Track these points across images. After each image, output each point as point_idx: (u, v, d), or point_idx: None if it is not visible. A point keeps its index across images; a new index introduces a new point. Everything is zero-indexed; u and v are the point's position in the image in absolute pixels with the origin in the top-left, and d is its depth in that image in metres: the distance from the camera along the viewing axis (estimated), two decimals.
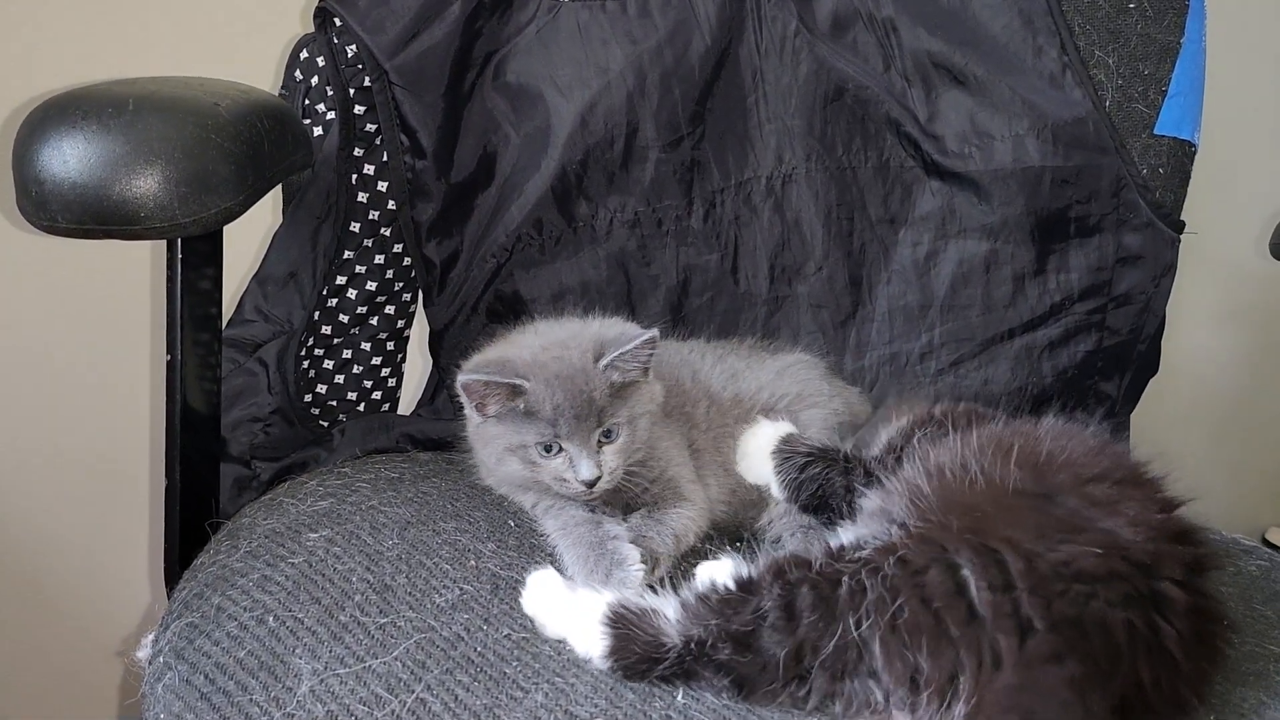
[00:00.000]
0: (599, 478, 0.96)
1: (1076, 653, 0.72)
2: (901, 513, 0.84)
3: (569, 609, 0.85)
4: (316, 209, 1.27)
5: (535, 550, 0.99)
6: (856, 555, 0.79)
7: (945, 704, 0.73)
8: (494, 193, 1.28)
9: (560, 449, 0.97)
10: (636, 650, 0.80)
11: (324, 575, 0.91)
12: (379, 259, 1.31)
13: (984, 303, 1.31)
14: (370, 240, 1.30)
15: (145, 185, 0.89)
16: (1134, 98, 1.28)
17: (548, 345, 1.00)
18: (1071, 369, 1.32)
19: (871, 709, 0.76)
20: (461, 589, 0.91)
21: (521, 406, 0.96)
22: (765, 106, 1.29)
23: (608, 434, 0.98)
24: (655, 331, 0.98)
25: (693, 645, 0.79)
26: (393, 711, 0.77)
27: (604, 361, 0.96)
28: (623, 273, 1.30)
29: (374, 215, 1.29)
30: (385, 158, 1.26)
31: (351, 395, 1.35)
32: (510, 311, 1.31)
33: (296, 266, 1.29)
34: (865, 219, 1.31)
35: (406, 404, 1.41)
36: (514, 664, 0.82)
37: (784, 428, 1.05)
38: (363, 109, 1.24)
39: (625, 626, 0.81)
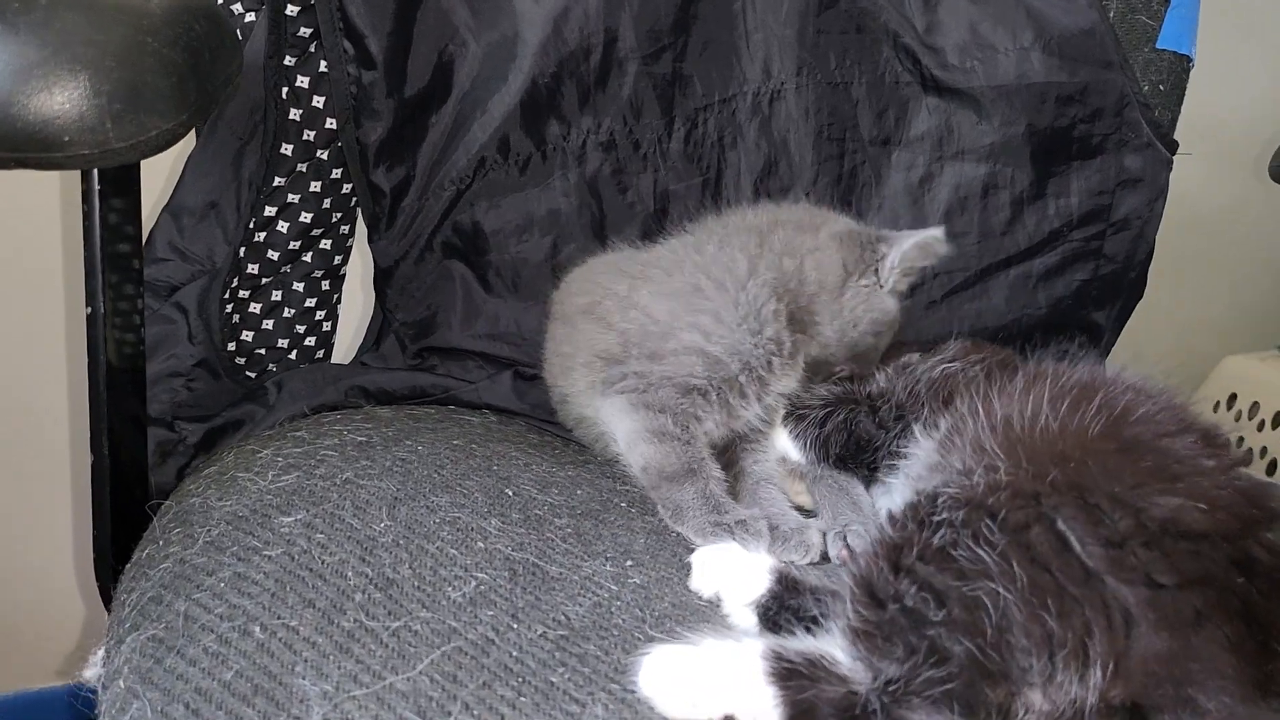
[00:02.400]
0: None
1: (1220, 613, 0.65)
2: (971, 462, 0.75)
3: (715, 681, 0.67)
4: (239, 128, 1.09)
5: (543, 524, 0.87)
6: (938, 518, 0.69)
7: (1082, 671, 0.64)
8: (451, 110, 1.12)
9: None
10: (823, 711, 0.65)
11: (311, 570, 0.77)
12: (315, 186, 1.14)
13: (980, 229, 1.22)
14: (305, 165, 1.12)
15: (68, 101, 0.71)
16: (1137, 8, 1.20)
17: None
18: (1067, 298, 1.25)
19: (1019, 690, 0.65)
20: (476, 579, 0.78)
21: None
22: (754, 13, 1.16)
23: None
24: None
25: (890, 686, 0.65)
26: None
27: None
28: (595, 201, 1.16)
29: (309, 135, 1.11)
30: (323, 68, 1.08)
31: (282, 343, 1.19)
32: (470, 247, 1.16)
33: (216, 195, 1.11)
34: (857, 139, 1.20)
35: (342, 352, 1.26)
36: (560, 670, 0.70)
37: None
38: (296, 8, 1.06)
39: (795, 671, 0.66)
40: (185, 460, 1.09)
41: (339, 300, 1.23)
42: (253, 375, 1.17)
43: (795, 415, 0.97)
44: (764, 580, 0.76)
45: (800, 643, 0.69)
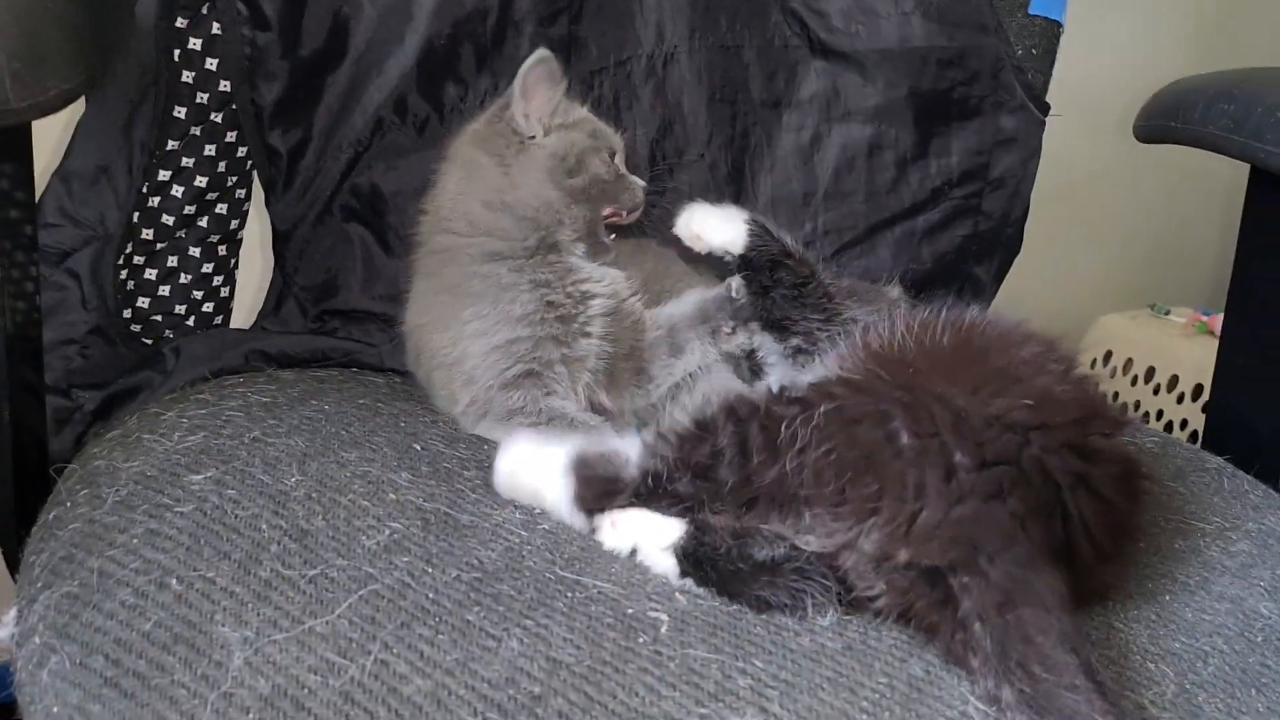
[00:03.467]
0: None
1: (1017, 491, 0.75)
2: (834, 370, 0.87)
3: (538, 464, 0.86)
4: (130, 91, 1.07)
5: (452, 477, 0.89)
6: (795, 397, 0.81)
7: (861, 527, 0.75)
8: (347, 71, 1.12)
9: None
10: (595, 488, 0.83)
11: (225, 524, 0.77)
12: (209, 150, 1.13)
13: (867, 189, 1.27)
14: (198, 128, 1.11)
15: None
16: None
17: None
18: (950, 253, 1.31)
19: (799, 529, 0.78)
20: (389, 528, 0.80)
21: (575, 116, 1.06)
22: None
23: None
24: None
25: (649, 478, 0.82)
26: (352, 678, 0.66)
27: None
28: None
29: (202, 98, 1.10)
30: (216, 29, 1.07)
31: (179, 309, 1.18)
32: (369, 210, 1.16)
33: (108, 160, 1.08)
34: (749, 101, 1.24)
35: (241, 317, 1.25)
36: (475, 609, 0.73)
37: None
38: None
39: (587, 469, 0.84)
40: (83, 428, 1.07)
41: (236, 265, 1.22)
42: (149, 342, 1.16)
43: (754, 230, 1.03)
44: (677, 525, 0.80)
45: (609, 443, 0.86)
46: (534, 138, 1.01)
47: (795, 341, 0.99)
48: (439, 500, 0.85)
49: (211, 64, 1.09)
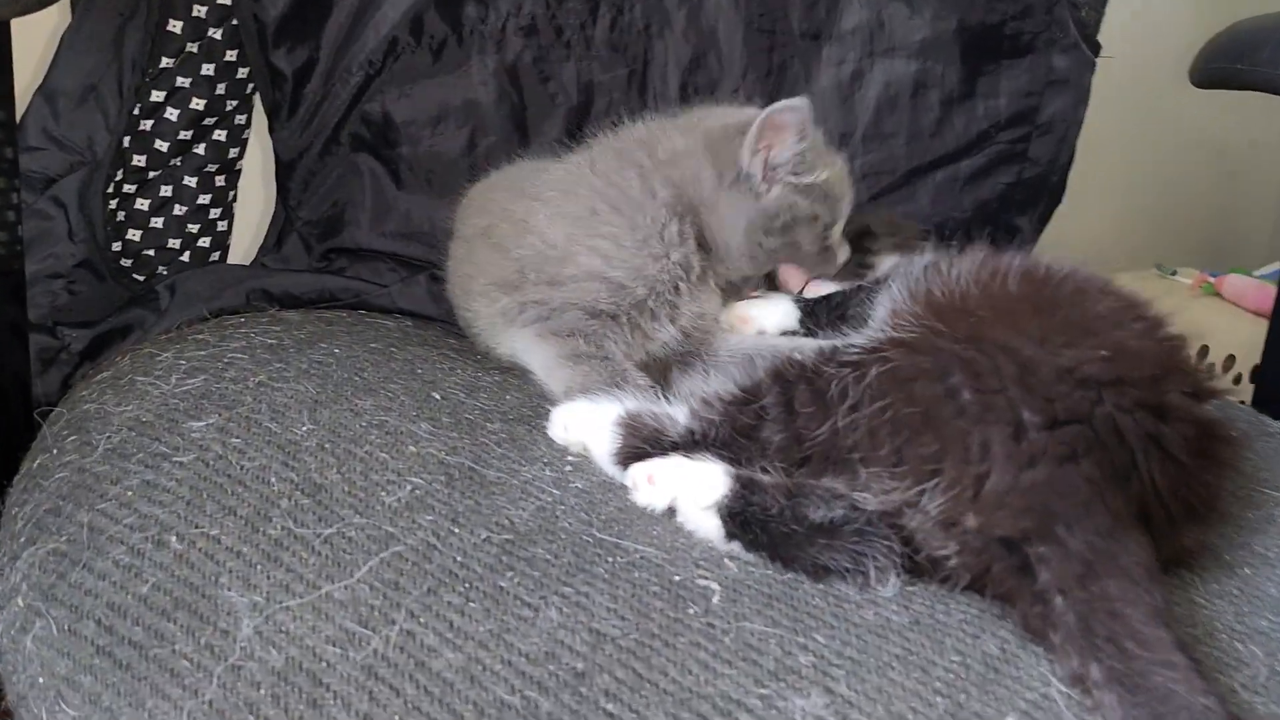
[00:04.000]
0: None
1: (1091, 454, 0.69)
2: (888, 324, 0.78)
3: (589, 418, 0.82)
4: (119, 2, 0.99)
5: (475, 429, 0.82)
6: (846, 360, 0.75)
7: (921, 487, 0.70)
8: None
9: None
10: (637, 442, 0.79)
11: (230, 476, 0.70)
12: (207, 69, 1.04)
13: (909, 130, 1.20)
14: (195, 45, 1.02)
15: None
16: None
17: None
18: (991, 202, 1.24)
19: (855, 486, 0.72)
20: (410, 483, 0.73)
21: (815, 177, 0.93)
22: None
23: None
24: None
25: (695, 436, 0.78)
26: (375, 650, 0.60)
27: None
28: (515, 90, 1.09)
29: (200, 11, 1.01)
30: None
31: (173, 243, 1.10)
32: (380, 139, 1.08)
33: (96, 78, 1.00)
34: (787, 32, 1.16)
35: (240, 254, 1.17)
36: (509, 575, 0.66)
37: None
38: None
39: (634, 423, 0.79)
40: (70, 369, 1.00)
41: (235, 197, 1.13)
42: (140, 278, 1.08)
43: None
44: (721, 483, 0.73)
45: (661, 407, 0.80)
46: (751, 178, 0.92)
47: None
48: (463, 454, 0.77)
49: None
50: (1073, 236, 2.12)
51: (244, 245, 1.17)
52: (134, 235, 1.08)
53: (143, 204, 1.07)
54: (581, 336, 0.90)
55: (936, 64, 1.18)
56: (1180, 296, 1.95)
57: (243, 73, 1.06)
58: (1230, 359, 1.80)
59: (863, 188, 1.21)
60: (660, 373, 0.95)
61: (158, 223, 1.09)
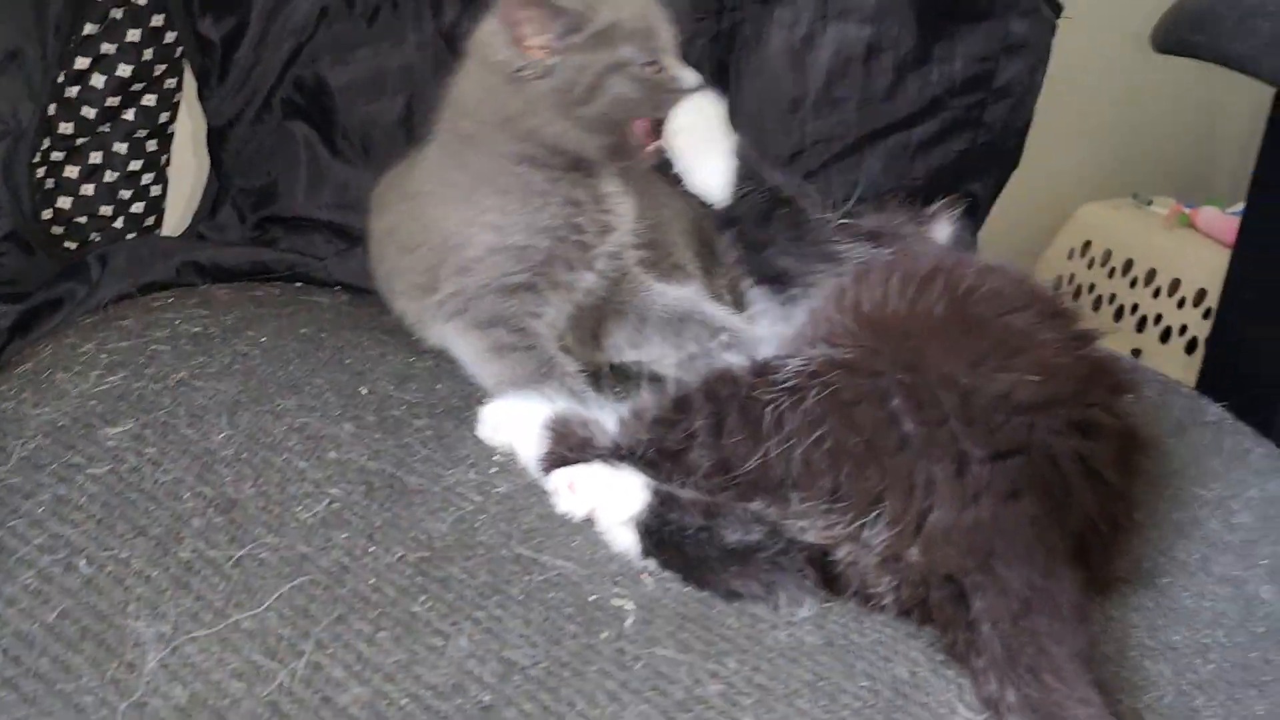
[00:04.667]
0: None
1: (1032, 488, 0.69)
2: (821, 338, 0.77)
3: (518, 418, 0.81)
4: None
5: (401, 427, 0.81)
6: (782, 378, 0.74)
7: (863, 521, 0.69)
8: None
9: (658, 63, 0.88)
10: (564, 449, 0.78)
11: (143, 491, 0.70)
12: (133, 35, 1.00)
13: (861, 95, 1.17)
14: (119, 10, 0.99)
15: None
16: None
17: None
18: (945, 168, 1.22)
19: (788, 514, 0.72)
20: (328, 495, 0.72)
21: (597, 26, 0.85)
22: None
23: None
24: None
25: (621, 451, 0.76)
26: (281, 685, 0.60)
27: None
28: (453, 55, 1.05)
29: None
30: None
31: (105, 210, 1.07)
32: (314, 106, 1.05)
33: (17, 43, 0.96)
34: None
35: (175, 222, 1.14)
36: (421, 598, 0.66)
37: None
38: None
39: (562, 428, 0.78)
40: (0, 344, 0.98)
41: (168, 161, 1.11)
42: (73, 247, 1.06)
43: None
44: (639, 497, 0.72)
45: (589, 410, 0.79)
46: (523, 70, 0.86)
47: (794, 292, 0.90)
48: (385, 459, 0.77)
49: None
50: (1049, 164, 2.09)
51: (179, 211, 1.14)
52: (64, 202, 1.05)
53: (72, 171, 1.05)
54: (504, 325, 0.88)
55: (890, 27, 1.15)
56: (1154, 227, 1.95)
57: (170, 37, 1.03)
58: (1201, 293, 1.80)
59: (813, 154, 1.19)
60: (593, 327, 0.95)
61: (88, 190, 1.06)
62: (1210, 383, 1.12)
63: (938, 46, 1.17)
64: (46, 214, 1.04)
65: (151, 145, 1.08)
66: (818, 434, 0.71)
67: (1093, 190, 2.31)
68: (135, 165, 1.07)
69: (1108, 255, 2.12)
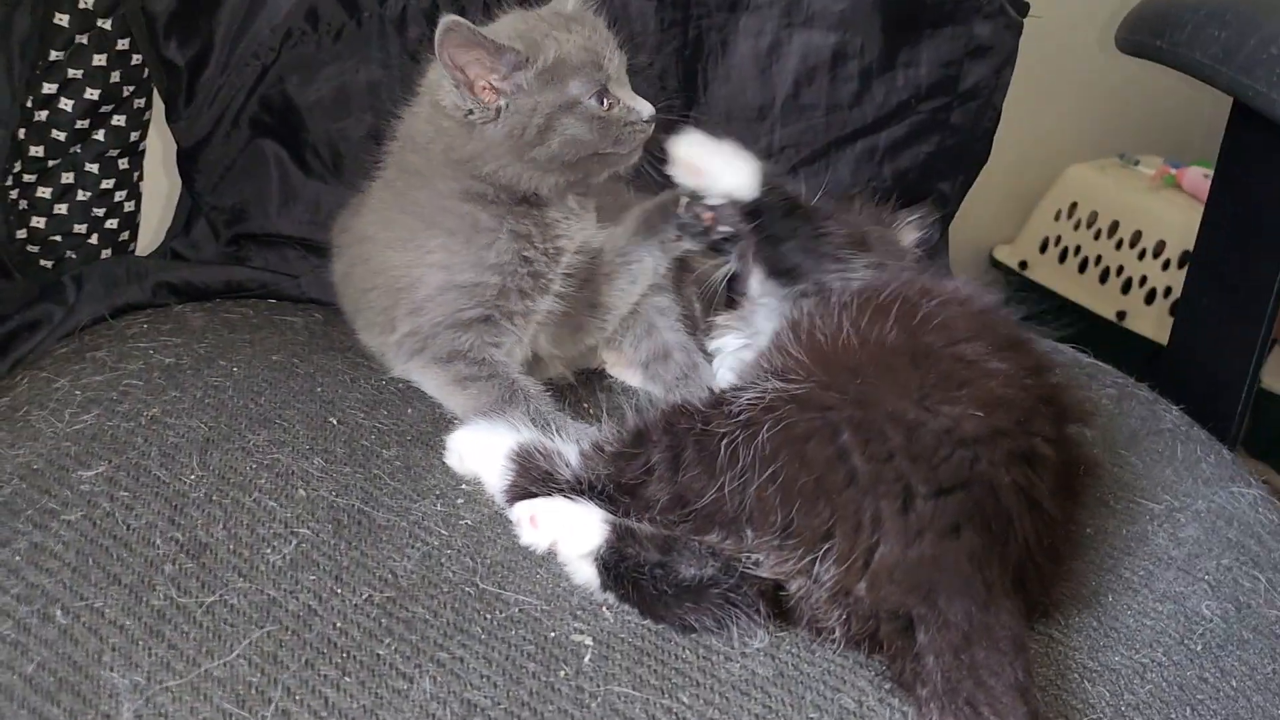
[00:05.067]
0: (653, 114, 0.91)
1: (972, 523, 0.72)
2: (778, 368, 0.80)
3: (483, 447, 0.83)
4: None
5: (370, 458, 0.83)
6: (736, 411, 0.76)
7: (813, 557, 0.72)
8: None
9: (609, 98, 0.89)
10: (528, 482, 0.80)
11: (116, 538, 0.72)
12: (99, 60, 1.01)
13: (828, 102, 1.18)
14: (84, 36, 1.00)
15: None
16: None
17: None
18: (912, 171, 1.23)
19: (742, 548, 0.74)
20: (297, 535, 0.75)
21: (543, 64, 0.86)
22: None
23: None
24: None
25: (582, 484, 0.79)
26: None
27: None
28: (419, 72, 1.06)
29: (87, 3, 0.98)
30: None
31: (79, 227, 1.09)
32: (282, 124, 1.06)
33: None
34: (702, 4, 1.12)
35: (149, 236, 1.16)
36: (386, 640, 0.69)
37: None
38: None
39: (527, 462, 0.81)
40: None
41: (141, 177, 1.12)
42: (49, 265, 1.07)
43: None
44: (598, 532, 0.75)
45: (554, 442, 0.81)
46: (471, 114, 0.86)
47: (802, 287, 0.92)
48: (353, 494, 0.79)
49: None
50: (1037, 124, 2.10)
51: (153, 224, 1.15)
52: (38, 222, 1.07)
53: (45, 192, 1.06)
54: (462, 359, 0.91)
55: (856, 35, 1.16)
56: (1141, 187, 1.96)
57: (137, 59, 1.03)
58: (1186, 254, 1.82)
59: (782, 159, 1.20)
60: (571, 333, 0.98)
61: (61, 209, 1.07)
62: (1170, 382, 1.14)
63: (903, 52, 1.18)
64: (21, 233, 1.05)
65: (123, 163, 1.09)
66: (770, 470, 0.73)
67: (1080, 151, 2.31)
68: (108, 184, 1.08)
69: (1094, 217, 2.12)
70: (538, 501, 0.79)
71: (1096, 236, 2.19)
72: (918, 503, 0.71)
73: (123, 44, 1.01)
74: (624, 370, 1.04)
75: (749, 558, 0.73)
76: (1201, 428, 1.06)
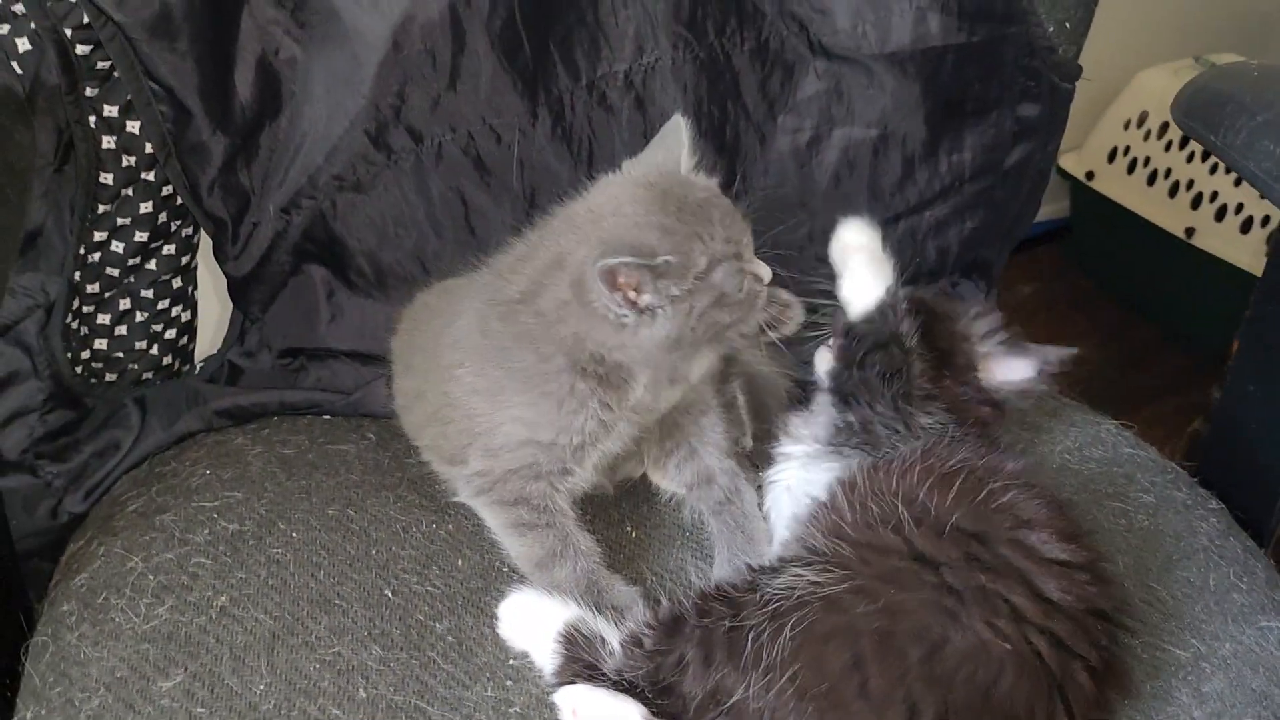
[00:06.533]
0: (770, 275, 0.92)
1: None
2: (818, 547, 0.83)
3: (533, 624, 0.88)
4: (47, 153, 0.97)
5: (425, 637, 0.89)
6: (767, 600, 0.79)
7: None
8: (285, 122, 1.00)
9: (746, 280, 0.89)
10: (576, 667, 0.84)
11: None
12: (145, 207, 1.03)
13: (870, 191, 1.17)
14: (130, 189, 1.01)
15: None
16: None
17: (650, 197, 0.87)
18: (955, 244, 1.22)
19: None
20: None
21: (696, 271, 0.85)
22: None
23: None
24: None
25: (624, 682, 0.82)
26: None
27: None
28: (458, 197, 1.08)
29: (129, 161, 1.00)
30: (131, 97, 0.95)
31: (140, 345, 1.13)
32: (326, 252, 1.08)
33: (37, 225, 1.00)
34: (740, 109, 1.11)
35: (209, 333, 1.20)
36: None
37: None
38: (88, 48, 0.91)
39: (573, 648, 0.84)
40: (56, 500, 1.07)
41: (195, 289, 1.15)
42: (113, 378, 1.12)
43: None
44: None
45: (597, 624, 0.85)
46: (624, 318, 0.85)
47: (851, 419, 0.95)
48: (409, 688, 0.85)
49: (133, 127, 0.98)
50: (1104, 24, 2.02)
51: (210, 329, 1.19)
52: (100, 344, 1.11)
53: (104, 319, 1.10)
54: (525, 505, 0.94)
55: (899, 127, 1.13)
56: None
57: (182, 200, 1.05)
58: None
59: (821, 242, 1.19)
60: (621, 462, 1.01)
61: (122, 330, 1.11)
62: (1212, 473, 1.14)
63: (946, 140, 1.15)
64: (85, 353, 1.10)
65: (177, 283, 1.12)
66: (790, 671, 0.76)
67: (1150, 53, 2.21)
68: (163, 304, 1.12)
69: (1165, 128, 2.04)
70: (581, 691, 0.84)
71: (1167, 148, 2.11)
72: None
73: (167, 190, 1.03)
74: (666, 481, 1.07)
75: None
76: (1240, 528, 1.07)
